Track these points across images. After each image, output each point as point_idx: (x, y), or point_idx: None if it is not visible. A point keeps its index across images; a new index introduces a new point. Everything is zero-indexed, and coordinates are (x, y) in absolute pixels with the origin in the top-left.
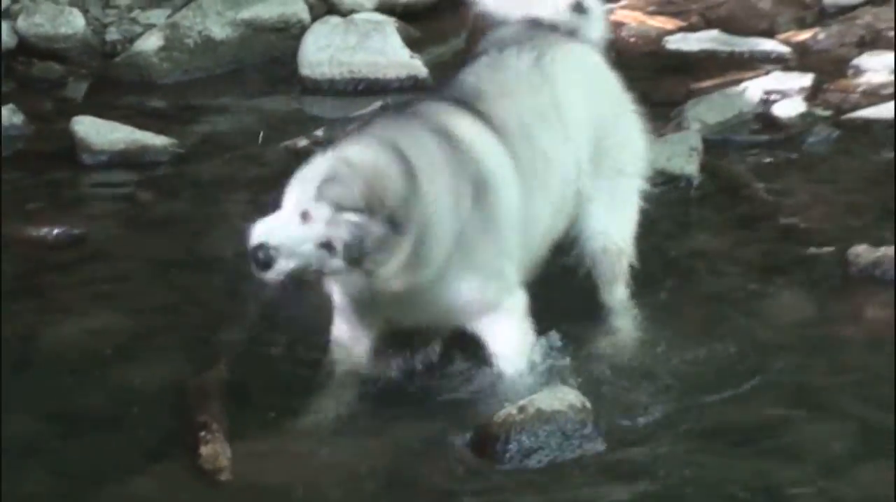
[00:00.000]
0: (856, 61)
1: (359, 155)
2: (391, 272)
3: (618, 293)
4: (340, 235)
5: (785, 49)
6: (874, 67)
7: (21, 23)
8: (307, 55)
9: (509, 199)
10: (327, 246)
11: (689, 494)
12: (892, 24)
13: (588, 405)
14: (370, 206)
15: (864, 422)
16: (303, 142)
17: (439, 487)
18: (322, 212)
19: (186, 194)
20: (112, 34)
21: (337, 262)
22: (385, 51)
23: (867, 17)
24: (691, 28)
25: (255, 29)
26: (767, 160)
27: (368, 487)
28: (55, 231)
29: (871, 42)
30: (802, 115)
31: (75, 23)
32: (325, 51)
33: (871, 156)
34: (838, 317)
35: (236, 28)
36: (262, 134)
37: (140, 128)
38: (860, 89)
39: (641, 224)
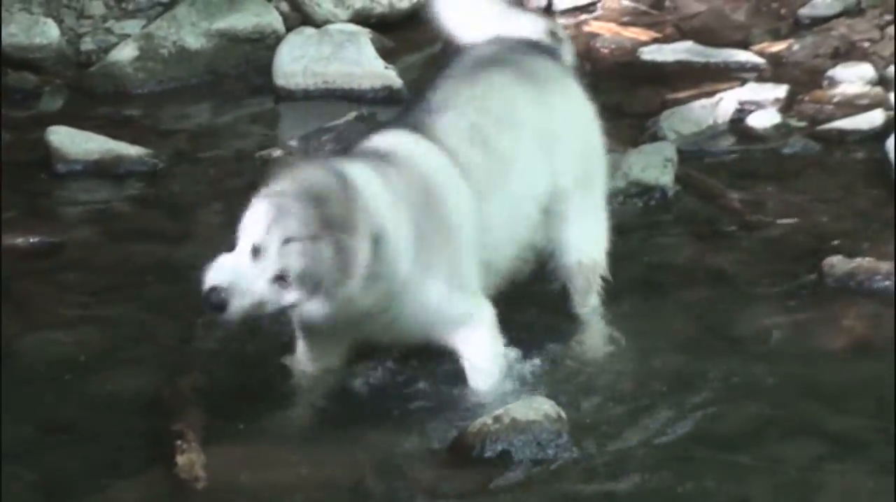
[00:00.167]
0: (830, 72)
1: (301, 182)
2: (350, 294)
3: (591, 303)
4: (292, 265)
5: (759, 60)
6: (849, 78)
7: None
8: (282, 65)
9: (462, 212)
10: (281, 279)
11: None
12: (866, 36)
13: (563, 415)
14: (317, 231)
15: (839, 433)
16: (277, 153)
17: (415, 496)
18: (271, 244)
19: (161, 204)
20: (87, 44)
21: (293, 295)
22: (359, 61)
23: (842, 28)
24: (666, 39)
25: (229, 39)
26: (742, 171)
27: (344, 496)
28: (30, 240)
29: (846, 53)
30: (777, 126)
31: (50, 33)
32: (300, 61)
33: (847, 167)
34: (814, 327)
35: (211, 38)
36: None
37: (115, 138)
38: (835, 100)
39: (616, 234)
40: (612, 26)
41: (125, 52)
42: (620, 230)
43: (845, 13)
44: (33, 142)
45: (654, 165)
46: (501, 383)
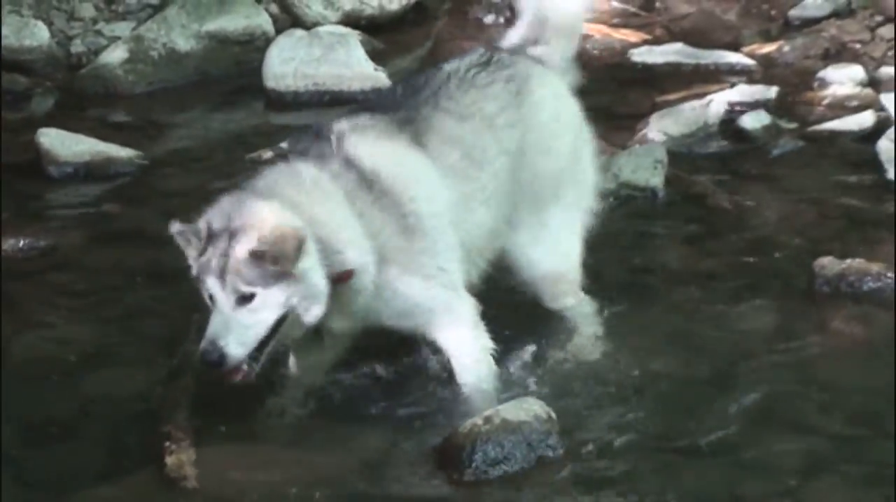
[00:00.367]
0: (821, 73)
1: (255, 215)
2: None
3: (569, 308)
4: (286, 296)
5: (750, 62)
6: (839, 80)
7: None
8: (272, 67)
9: (435, 204)
10: (245, 299)
11: None
12: (857, 37)
13: (553, 416)
14: (287, 259)
15: (829, 434)
16: (267, 155)
17: (405, 497)
18: (252, 289)
19: (151, 206)
20: (77, 46)
21: (291, 324)
22: (349, 63)
23: (832, 29)
24: (656, 41)
25: (219, 41)
26: (733, 172)
27: (334, 496)
28: (21, 242)
29: (836, 54)
30: (767, 128)
31: (40, 35)
32: (290, 63)
33: (837, 169)
34: (804, 328)
35: (201, 40)
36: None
37: (105, 140)
38: (825, 101)
39: (606, 236)
40: (602, 28)
41: (115, 55)
42: (611, 231)
43: (836, 14)
44: (24, 144)
45: (645, 167)
46: (489, 378)
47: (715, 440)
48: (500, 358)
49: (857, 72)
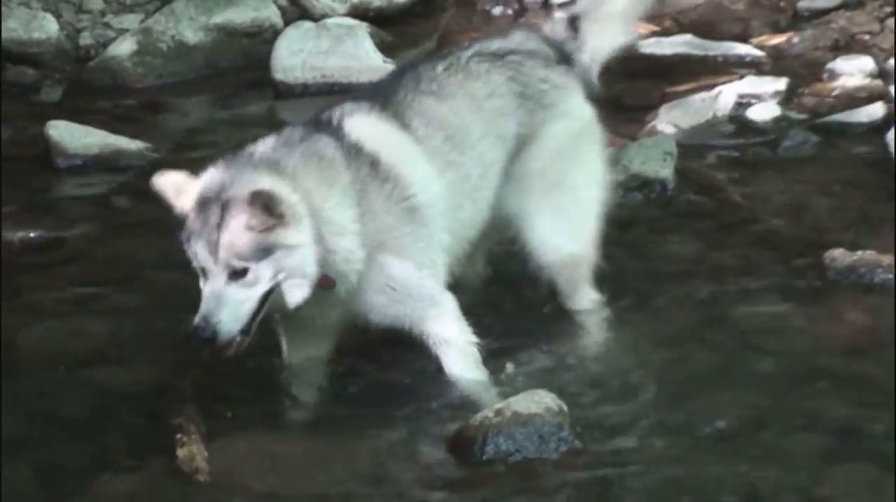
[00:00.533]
0: (830, 65)
1: (248, 185)
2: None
3: (584, 298)
4: (275, 271)
5: (759, 53)
6: (849, 71)
7: None
8: (280, 60)
9: (428, 194)
10: (238, 274)
11: (667, 497)
12: (866, 28)
13: (564, 408)
14: (283, 231)
15: (841, 426)
16: None
17: (416, 489)
18: (245, 263)
19: (161, 198)
20: (85, 39)
21: (261, 286)
22: (357, 55)
23: (841, 20)
24: (665, 32)
25: (227, 34)
26: (742, 164)
27: (344, 489)
28: (31, 234)
29: (846, 46)
30: (777, 119)
31: (49, 28)
32: (298, 55)
33: (847, 160)
34: (815, 320)
35: (209, 33)
36: None
37: (114, 132)
38: (835, 93)
39: (615, 228)
40: None
41: (124, 47)
42: (620, 224)
43: (845, 5)
44: (33, 136)
45: (654, 159)
46: (476, 368)
47: (726, 432)
48: (511, 352)
49: (866, 63)
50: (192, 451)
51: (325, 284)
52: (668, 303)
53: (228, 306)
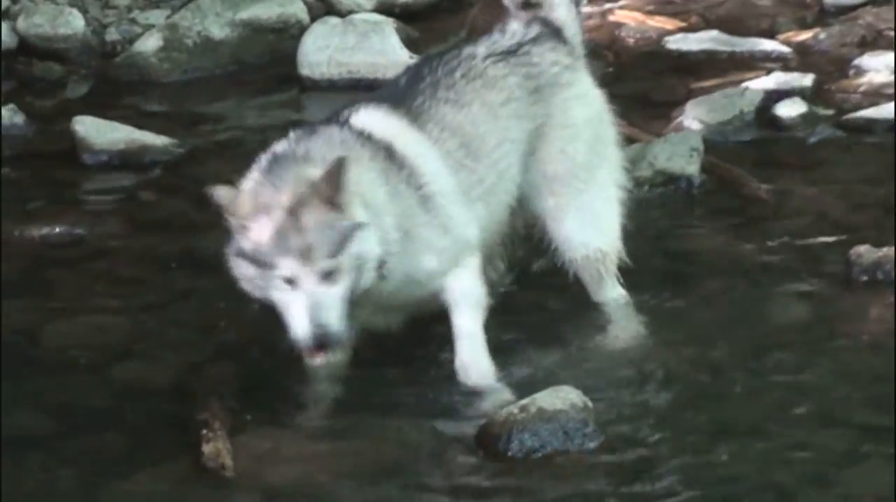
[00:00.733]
0: (857, 61)
1: (307, 182)
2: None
3: (610, 293)
4: (354, 260)
5: (785, 49)
6: (875, 67)
7: (21, 23)
8: (306, 55)
9: (442, 183)
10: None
11: (691, 493)
12: (893, 25)
13: (590, 404)
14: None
15: (864, 423)
16: None
17: (441, 485)
18: (335, 261)
19: (186, 194)
20: (111, 34)
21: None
22: (384, 51)
23: (868, 17)
24: (691, 28)
25: (254, 29)
26: (768, 160)
27: (370, 485)
28: (56, 230)
29: (873, 42)
30: (803, 116)
31: (75, 23)
32: (324, 51)
33: (873, 157)
34: (840, 317)
35: (235, 28)
36: None
37: (140, 128)
38: (861, 89)
39: (641, 224)
40: (638, 15)
41: (150, 43)
42: (646, 220)
43: (872, 2)
44: (59, 132)
45: (680, 155)
46: (480, 320)
47: (750, 428)
48: (536, 348)
49: (893, 59)
50: (218, 447)
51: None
52: (693, 300)
53: (332, 307)
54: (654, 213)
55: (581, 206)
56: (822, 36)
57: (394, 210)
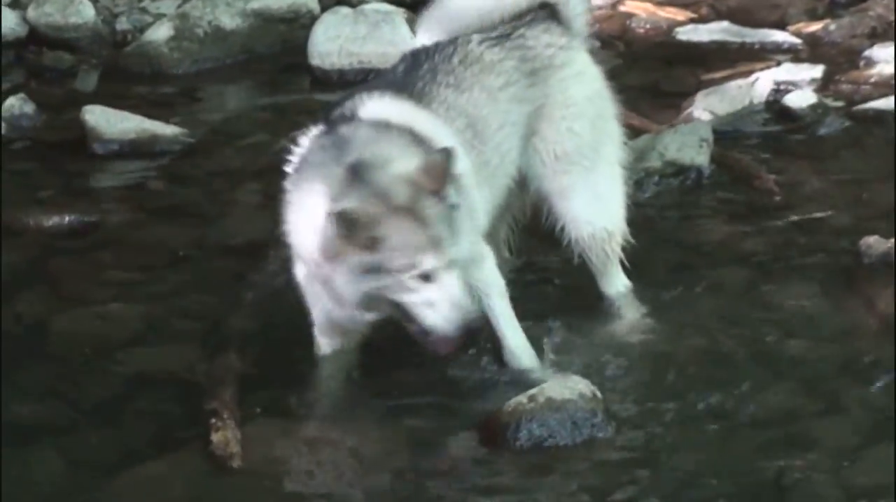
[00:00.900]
0: (867, 52)
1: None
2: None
3: (616, 280)
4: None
5: (796, 40)
6: (885, 58)
7: (31, 12)
8: (317, 45)
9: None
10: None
11: (699, 482)
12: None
13: (598, 394)
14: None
15: (873, 412)
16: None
17: (449, 475)
18: (432, 258)
19: (196, 183)
20: (122, 24)
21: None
22: (395, 41)
23: (878, 8)
24: (702, 19)
25: (264, 19)
26: (778, 151)
27: (378, 474)
28: (67, 219)
29: (883, 33)
30: (813, 106)
31: (85, 12)
32: (335, 41)
33: (883, 147)
34: (850, 307)
35: (246, 18)
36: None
37: (150, 117)
38: (871, 80)
39: (651, 214)
40: (648, 6)
41: (160, 32)
42: (656, 210)
43: None
44: (69, 121)
45: (690, 145)
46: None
47: (759, 417)
48: (546, 337)
49: None
50: (227, 436)
51: None
52: (702, 290)
53: (463, 292)
54: (663, 204)
55: (588, 185)
56: (833, 27)
57: None
